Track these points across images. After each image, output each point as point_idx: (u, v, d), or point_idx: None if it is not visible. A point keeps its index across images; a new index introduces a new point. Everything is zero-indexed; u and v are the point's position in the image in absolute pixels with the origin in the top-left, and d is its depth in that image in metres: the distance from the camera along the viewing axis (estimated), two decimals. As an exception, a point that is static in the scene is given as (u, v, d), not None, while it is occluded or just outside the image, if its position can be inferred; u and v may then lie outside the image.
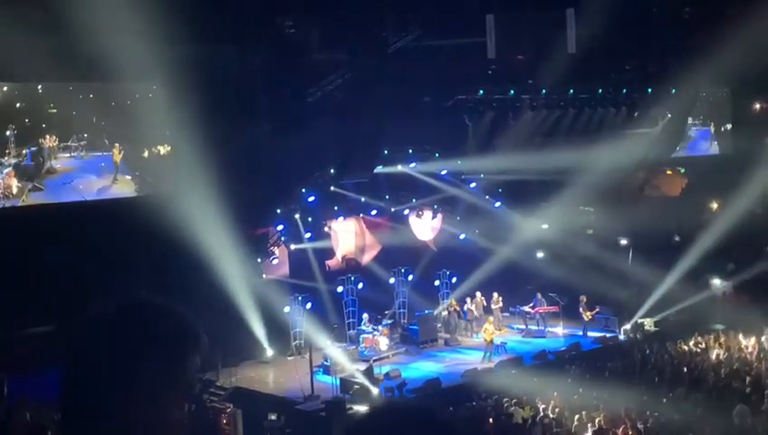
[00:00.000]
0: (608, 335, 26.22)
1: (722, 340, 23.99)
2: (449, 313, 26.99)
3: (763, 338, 23.33)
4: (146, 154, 22.60)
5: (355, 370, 22.02)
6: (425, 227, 28.27)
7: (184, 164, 21.74)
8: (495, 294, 27.06)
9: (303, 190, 25.15)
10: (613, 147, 27.50)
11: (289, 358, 24.38)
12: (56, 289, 18.29)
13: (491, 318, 25.36)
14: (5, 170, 20.63)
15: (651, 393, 19.43)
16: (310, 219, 25.30)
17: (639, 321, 26.44)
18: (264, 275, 23.92)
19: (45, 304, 18.10)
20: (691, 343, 24.20)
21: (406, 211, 27.54)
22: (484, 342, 24.38)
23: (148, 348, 1.94)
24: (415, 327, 26.33)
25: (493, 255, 27.38)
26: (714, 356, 22.67)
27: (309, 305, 24.36)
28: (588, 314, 26.39)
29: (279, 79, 23.44)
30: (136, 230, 19.51)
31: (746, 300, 26.43)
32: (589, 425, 17.26)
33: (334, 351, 23.11)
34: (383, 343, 24.67)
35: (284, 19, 23.83)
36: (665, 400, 18.94)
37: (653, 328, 26.35)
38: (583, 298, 26.43)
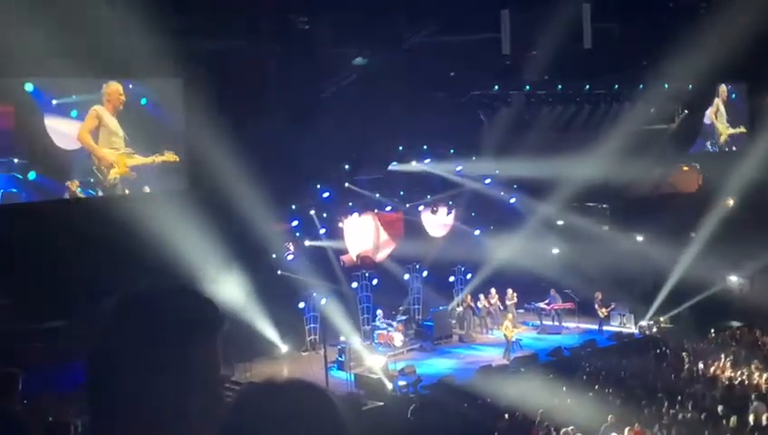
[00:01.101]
0: (623, 332, 26.12)
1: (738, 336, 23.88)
2: (464, 309, 26.94)
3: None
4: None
5: (369, 365, 22.03)
6: (437, 223, 28.17)
7: (196, 161, 21.79)
8: (510, 291, 26.99)
9: (318, 186, 25.15)
10: (628, 143, 27.32)
11: (303, 353, 24.39)
12: (71, 283, 18.42)
13: (509, 315, 25.25)
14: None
15: (667, 392, 19.35)
16: (324, 215, 25.31)
17: (655, 317, 26.33)
18: (278, 271, 23.92)
19: (64, 298, 18.20)
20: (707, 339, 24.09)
21: (420, 207, 27.50)
22: (504, 338, 24.28)
23: (176, 331, 1.91)
24: (429, 323, 26.29)
25: (507, 251, 27.29)
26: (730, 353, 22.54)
27: (323, 301, 24.37)
28: (603, 310, 26.30)
29: (293, 74, 23.41)
30: (149, 225, 19.57)
31: (764, 296, 26.23)
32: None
33: (356, 342, 23.16)
34: (398, 339, 24.65)
35: (298, 14, 23.80)
36: (680, 397, 18.86)
37: (669, 324, 26.22)
38: (598, 294, 26.35)
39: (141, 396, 1.87)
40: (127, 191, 21.41)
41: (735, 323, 25.49)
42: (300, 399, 1.89)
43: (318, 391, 1.92)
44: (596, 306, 26.32)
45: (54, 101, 20.07)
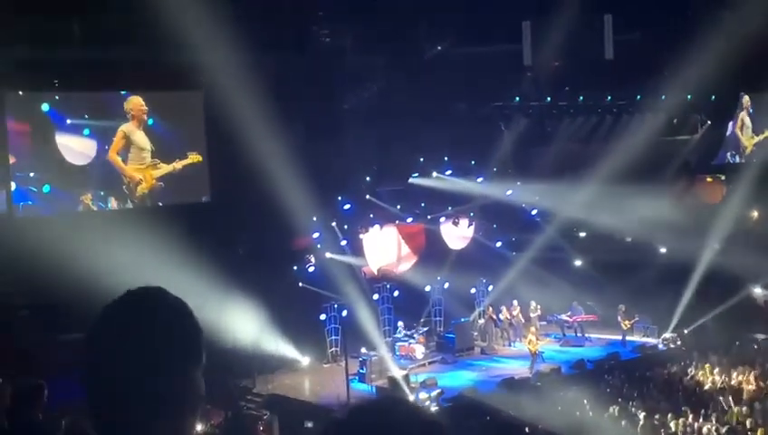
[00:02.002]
0: (647, 344, 25.92)
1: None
2: (485, 321, 26.82)
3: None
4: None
5: (391, 377, 21.96)
6: (457, 235, 28.02)
7: (218, 172, 21.92)
8: (533, 303, 26.87)
9: (339, 198, 25.16)
10: (652, 153, 27.14)
11: (325, 365, 24.37)
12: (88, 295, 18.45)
13: (532, 328, 25.08)
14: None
15: (691, 405, 19.16)
16: (345, 227, 25.30)
17: (679, 329, 26.10)
18: (300, 283, 23.94)
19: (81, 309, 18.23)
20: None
21: (441, 219, 27.42)
22: (528, 352, 24.10)
23: (159, 347, 1.93)
24: (451, 335, 26.18)
25: (528, 262, 27.18)
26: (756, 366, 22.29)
27: (345, 313, 24.33)
28: (626, 322, 26.12)
29: (315, 85, 23.48)
30: (166, 236, 19.66)
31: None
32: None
33: (383, 352, 23.16)
34: (419, 350, 24.57)
35: (320, 27, 23.90)
36: (703, 410, 18.67)
37: (693, 337, 25.97)
38: (622, 307, 26.18)
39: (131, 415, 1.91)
40: (158, 203, 21.70)
41: (761, 336, 25.20)
42: (410, 421, 1.83)
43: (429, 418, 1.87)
44: (619, 318, 26.14)
45: (69, 121, 20.58)
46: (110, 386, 1.91)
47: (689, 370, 22.90)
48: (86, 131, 20.93)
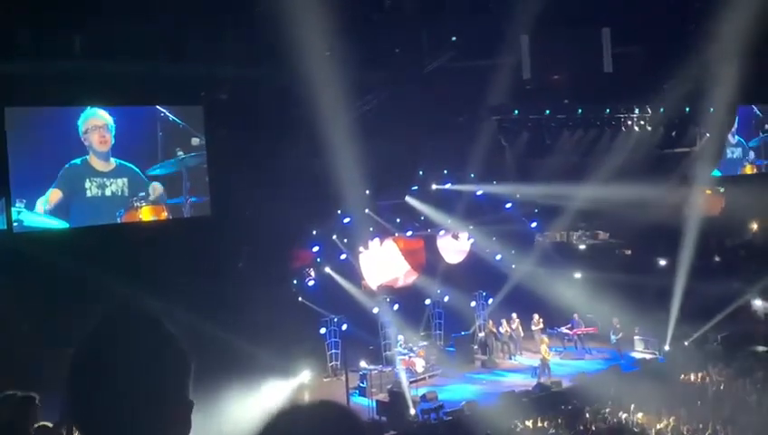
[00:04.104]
0: (647, 357, 25.88)
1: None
2: (486, 334, 26.80)
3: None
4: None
5: (391, 391, 21.92)
6: (454, 249, 28.01)
7: (219, 187, 21.94)
8: (536, 316, 26.84)
9: (339, 211, 25.17)
10: (651, 166, 27.20)
11: (325, 380, 24.33)
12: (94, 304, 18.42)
13: (545, 338, 25.04)
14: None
15: (695, 419, 19.14)
16: (345, 240, 25.31)
17: (679, 342, 26.07)
18: (299, 298, 23.94)
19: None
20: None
21: (441, 232, 27.44)
22: (541, 360, 24.05)
23: (137, 364, 1.94)
24: (451, 349, 26.14)
25: (528, 275, 27.19)
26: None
27: (345, 327, 24.32)
28: (619, 336, 26.16)
29: (314, 100, 23.51)
30: (169, 251, 19.69)
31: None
32: None
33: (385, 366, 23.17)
34: (419, 364, 24.54)
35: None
36: (701, 426, 18.66)
37: (691, 349, 25.94)
38: (615, 320, 26.16)
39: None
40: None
41: (761, 348, 25.17)
42: (326, 421, 1.88)
43: (345, 412, 1.91)
44: (611, 333, 26.18)
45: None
46: (104, 401, 1.92)
47: (690, 382, 22.88)
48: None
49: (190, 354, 2.04)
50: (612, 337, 26.16)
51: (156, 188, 21.43)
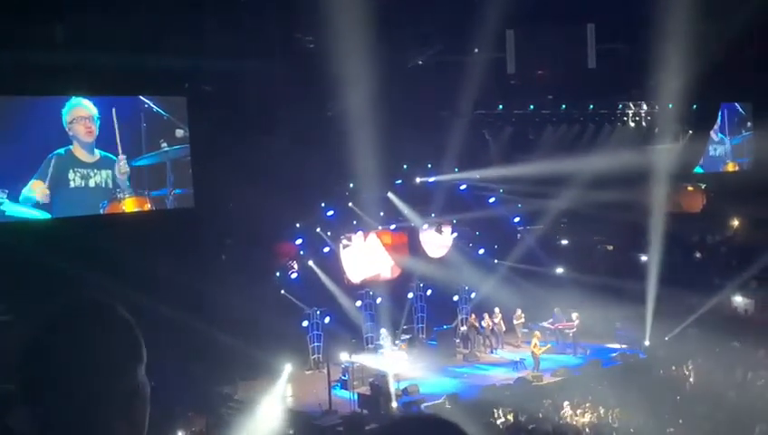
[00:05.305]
0: (628, 352, 26.01)
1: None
2: (468, 328, 26.86)
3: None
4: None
5: (372, 384, 21.97)
6: (437, 244, 28.05)
7: (202, 179, 21.90)
8: (519, 311, 26.90)
9: (323, 205, 25.17)
10: (634, 162, 27.32)
11: (307, 372, 24.35)
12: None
13: (538, 333, 25.08)
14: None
15: (673, 414, 19.29)
16: (329, 233, 25.32)
17: (657, 337, 26.22)
18: (282, 290, 23.95)
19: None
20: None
21: (424, 226, 27.48)
22: (532, 356, 24.14)
23: (88, 352, 1.95)
24: (433, 342, 26.20)
25: (510, 269, 27.30)
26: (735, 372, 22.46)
27: (327, 320, 24.35)
28: (572, 331, 26.23)
29: (298, 92, 23.50)
30: (153, 243, 19.65)
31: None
32: None
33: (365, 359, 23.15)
34: (401, 357, 24.57)
35: (305, 33, 23.90)
36: (681, 421, 18.80)
37: (672, 344, 26.10)
38: (575, 314, 26.21)
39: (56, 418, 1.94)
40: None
41: (737, 344, 25.35)
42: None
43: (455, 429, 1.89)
44: (560, 326, 26.19)
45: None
46: (59, 390, 1.94)
47: (670, 376, 23.03)
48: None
49: (141, 337, 2.05)
50: (567, 331, 26.22)
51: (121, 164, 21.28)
